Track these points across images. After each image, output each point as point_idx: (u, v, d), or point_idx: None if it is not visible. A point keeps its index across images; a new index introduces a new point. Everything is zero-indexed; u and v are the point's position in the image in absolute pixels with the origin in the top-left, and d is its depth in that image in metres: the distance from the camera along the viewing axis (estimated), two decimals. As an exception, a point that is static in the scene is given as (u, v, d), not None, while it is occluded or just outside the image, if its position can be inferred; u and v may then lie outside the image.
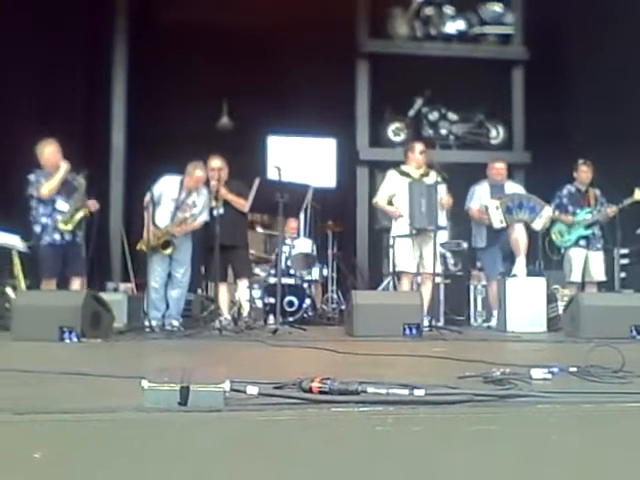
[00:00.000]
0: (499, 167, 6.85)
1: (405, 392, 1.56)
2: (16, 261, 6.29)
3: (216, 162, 6.22)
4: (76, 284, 5.86)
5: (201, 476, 1.31)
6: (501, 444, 1.42)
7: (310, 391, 1.62)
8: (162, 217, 6.06)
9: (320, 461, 1.35)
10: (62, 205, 5.88)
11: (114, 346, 4.49)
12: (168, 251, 5.99)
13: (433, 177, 6.27)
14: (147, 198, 6.05)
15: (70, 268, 5.90)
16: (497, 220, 6.49)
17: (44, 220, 5.88)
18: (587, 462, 1.42)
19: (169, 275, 6.16)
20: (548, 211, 6.60)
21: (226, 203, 6.15)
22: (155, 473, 1.31)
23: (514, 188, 6.85)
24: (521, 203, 6.51)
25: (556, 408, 1.53)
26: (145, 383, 1.49)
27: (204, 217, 6.19)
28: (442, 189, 6.23)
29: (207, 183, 6.17)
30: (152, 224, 5.97)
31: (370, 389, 1.59)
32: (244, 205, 5.99)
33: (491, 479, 1.39)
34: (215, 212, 5.99)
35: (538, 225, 6.57)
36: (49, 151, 5.87)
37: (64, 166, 5.84)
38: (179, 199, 6.09)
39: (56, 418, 1.40)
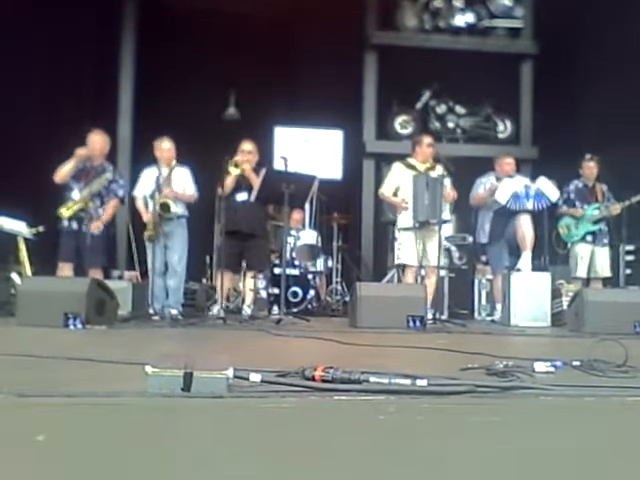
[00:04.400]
0: (509, 162, 6.82)
1: (407, 382, 1.56)
2: (22, 247, 6.33)
3: (247, 146, 6.32)
4: (91, 274, 5.86)
5: (203, 461, 1.32)
6: (503, 435, 1.42)
7: (313, 379, 1.62)
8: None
9: (322, 449, 1.36)
10: (75, 194, 5.97)
11: (118, 333, 4.50)
12: (171, 211, 6.03)
13: (439, 170, 6.26)
14: (139, 204, 6.27)
15: (86, 258, 5.92)
16: (503, 195, 6.45)
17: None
18: (589, 455, 1.42)
19: (167, 265, 6.19)
20: (543, 181, 6.56)
21: (249, 190, 6.14)
22: (157, 458, 1.31)
23: (519, 181, 6.82)
24: (527, 194, 6.49)
25: (559, 400, 1.54)
26: (149, 368, 1.49)
27: (192, 191, 6.28)
28: (447, 183, 6.22)
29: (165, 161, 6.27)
30: (148, 214, 6.11)
31: (372, 378, 1.59)
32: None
33: (492, 470, 1.39)
34: (238, 197, 6.00)
35: (554, 196, 6.52)
36: (89, 139, 6.03)
37: (77, 153, 5.89)
38: (161, 176, 6.16)
39: (60, 402, 1.41)
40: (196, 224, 6.46)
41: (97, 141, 6.06)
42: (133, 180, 8.19)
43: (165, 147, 6.26)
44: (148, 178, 6.26)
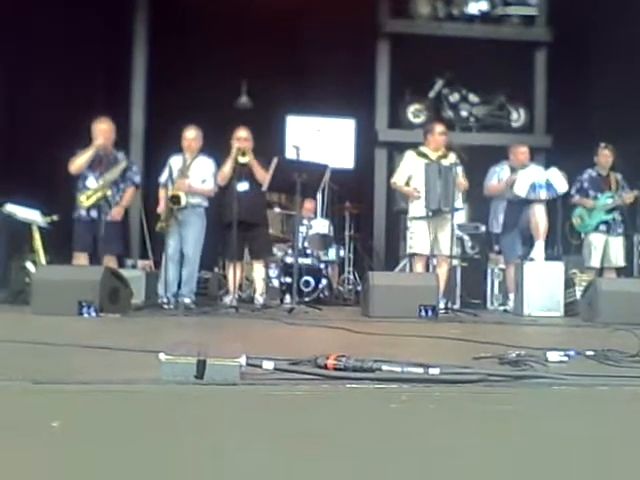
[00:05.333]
0: (523, 151, 6.76)
1: (420, 371, 1.56)
2: (36, 236, 6.38)
3: (242, 132, 6.24)
4: (105, 262, 5.89)
5: (216, 448, 1.33)
6: (515, 424, 1.42)
7: (325, 368, 1.62)
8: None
9: (334, 436, 1.36)
10: (91, 182, 5.95)
11: (132, 321, 4.54)
12: (181, 204, 6.00)
13: (452, 159, 6.23)
14: (162, 191, 6.22)
15: (101, 246, 5.94)
16: (521, 187, 6.39)
17: (77, 195, 5.97)
18: (601, 444, 1.42)
19: (182, 254, 6.17)
20: (554, 172, 6.49)
21: (250, 180, 6.14)
22: (170, 444, 1.32)
23: (535, 170, 6.78)
24: (541, 184, 6.44)
25: (572, 390, 1.53)
26: (162, 356, 1.50)
27: (211, 185, 6.22)
28: (458, 171, 6.18)
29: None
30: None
31: (385, 367, 1.59)
32: (265, 177, 5.92)
33: (504, 458, 1.39)
34: (239, 187, 5.97)
35: (562, 188, 6.44)
36: (99, 129, 6.01)
37: (96, 143, 5.91)
38: (184, 166, 6.14)
39: (75, 389, 1.43)
40: (208, 213, 6.47)
41: (106, 130, 6.02)
42: (146, 170, 8.28)
43: (189, 136, 6.21)
44: (173, 166, 6.24)
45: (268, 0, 8.63)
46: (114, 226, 5.97)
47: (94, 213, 5.93)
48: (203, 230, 6.26)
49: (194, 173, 6.17)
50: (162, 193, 6.27)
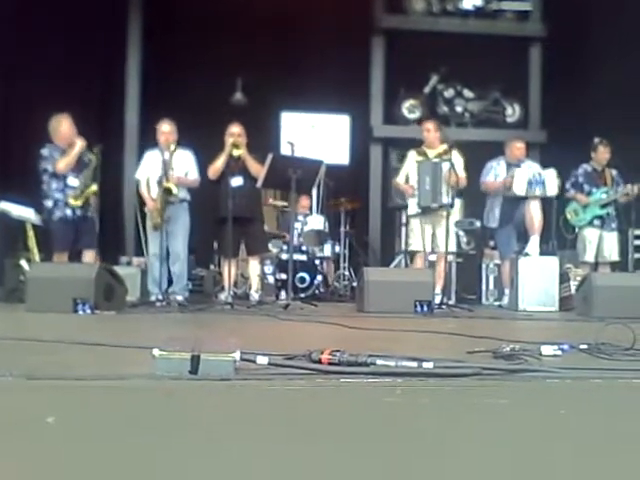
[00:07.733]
0: (519, 146, 6.78)
1: (414, 365, 1.57)
2: (30, 234, 6.36)
3: (235, 128, 6.25)
4: (88, 257, 5.90)
5: (211, 443, 1.33)
6: (509, 417, 1.43)
7: (320, 362, 1.63)
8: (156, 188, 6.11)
9: (328, 431, 1.37)
10: (73, 181, 5.92)
11: (127, 318, 4.54)
12: (173, 194, 5.99)
13: (455, 156, 6.23)
14: (142, 188, 6.22)
15: (82, 241, 5.93)
16: (520, 187, 6.39)
17: (56, 195, 5.93)
18: (595, 437, 1.43)
19: (168, 250, 6.13)
20: (551, 173, 6.48)
21: (244, 174, 6.14)
22: (165, 440, 1.33)
23: (530, 166, 6.78)
24: (536, 180, 6.44)
25: (565, 383, 1.54)
26: (156, 351, 1.50)
27: (195, 175, 6.26)
28: (446, 166, 6.17)
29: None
30: (151, 200, 6.10)
31: (379, 361, 1.60)
32: (259, 171, 5.90)
33: (498, 452, 1.39)
34: (233, 182, 5.96)
35: (551, 191, 6.44)
36: (65, 126, 5.91)
37: (80, 143, 5.87)
38: (164, 160, 6.10)
39: (69, 384, 1.43)
40: (203, 209, 6.46)
41: (71, 125, 5.93)
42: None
43: (164, 130, 6.19)
44: (150, 161, 6.23)
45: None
46: (92, 221, 5.96)
47: (79, 211, 5.92)
48: (189, 225, 6.25)
49: (176, 166, 6.14)
50: (143, 188, 6.22)
